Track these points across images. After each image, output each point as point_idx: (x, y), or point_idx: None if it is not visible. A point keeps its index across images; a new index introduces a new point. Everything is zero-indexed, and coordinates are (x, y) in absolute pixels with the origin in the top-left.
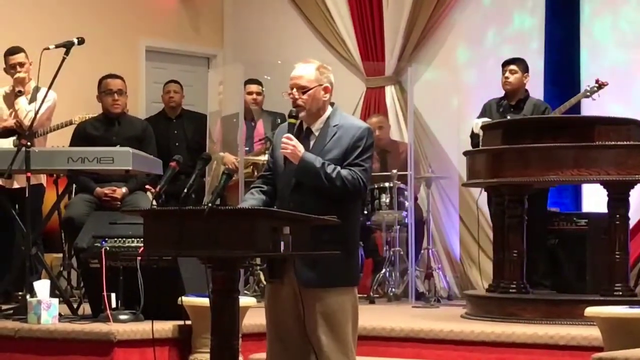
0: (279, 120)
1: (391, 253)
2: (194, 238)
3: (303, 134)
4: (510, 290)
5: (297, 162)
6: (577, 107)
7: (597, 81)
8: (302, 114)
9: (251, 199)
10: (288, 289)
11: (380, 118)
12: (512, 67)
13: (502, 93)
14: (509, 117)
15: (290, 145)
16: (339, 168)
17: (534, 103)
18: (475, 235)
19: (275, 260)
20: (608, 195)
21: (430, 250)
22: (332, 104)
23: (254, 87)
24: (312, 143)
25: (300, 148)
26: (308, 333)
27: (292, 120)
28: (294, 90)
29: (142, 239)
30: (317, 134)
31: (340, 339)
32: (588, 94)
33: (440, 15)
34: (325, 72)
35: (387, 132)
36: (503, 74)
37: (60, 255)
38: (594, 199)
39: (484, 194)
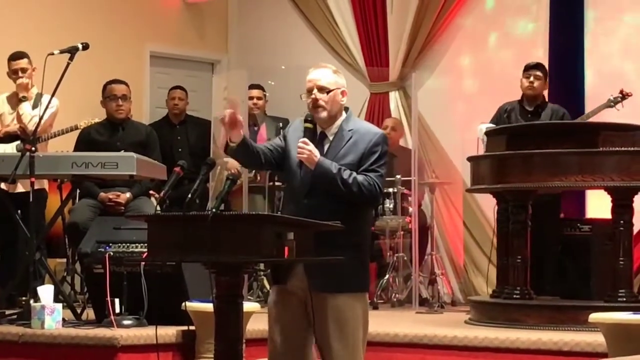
0: (282, 125)
1: (395, 259)
2: (198, 243)
3: (317, 138)
4: (514, 296)
5: (314, 168)
6: (582, 114)
7: (621, 91)
8: (323, 115)
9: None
10: (295, 294)
11: (395, 120)
12: (538, 72)
13: (509, 97)
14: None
15: (307, 150)
16: (355, 174)
17: (552, 109)
18: (479, 240)
19: (280, 265)
20: (612, 201)
21: (434, 256)
22: (346, 109)
23: (254, 92)
24: (326, 147)
25: (317, 153)
26: (318, 339)
27: (308, 125)
28: (315, 91)
29: (146, 244)
30: (331, 138)
31: (352, 345)
32: (612, 104)
33: (444, 21)
34: (341, 76)
35: (398, 135)
36: (526, 78)
37: (64, 260)
38: (598, 205)
39: (491, 200)
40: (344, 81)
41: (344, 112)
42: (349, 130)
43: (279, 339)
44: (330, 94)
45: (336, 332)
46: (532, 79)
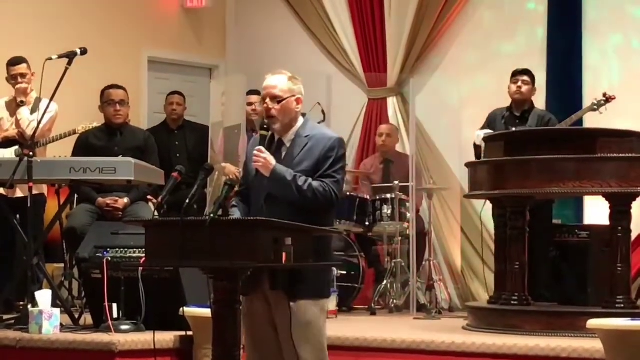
0: None
1: (393, 264)
2: (196, 249)
3: (275, 146)
4: (512, 302)
5: (269, 175)
6: (579, 120)
7: (604, 95)
8: (276, 126)
9: (237, 212)
10: (262, 301)
11: (390, 127)
12: (526, 78)
13: (505, 104)
14: (513, 129)
15: (262, 158)
16: (310, 180)
17: (538, 114)
18: (477, 246)
19: (278, 271)
20: (610, 208)
21: (431, 262)
22: (303, 115)
23: (254, 98)
24: (283, 154)
25: (272, 161)
26: (282, 345)
27: (263, 132)
28: (267, 100)
29: (143, 250)
30: (288, 145)
31: (317, 349)
32: (595, 107)
33: (442, 27)
34: (297, 83)
35: (394, 141)
36: (514, 83)
37: (62, 265)
38: (596, 211)
39: (488, 206)
40: (300, 88)
41: (300, 118)
42: (306, 137)
43: (253, 346)
44: (283, 102)
45: (302, 337)
46: (520, 84)
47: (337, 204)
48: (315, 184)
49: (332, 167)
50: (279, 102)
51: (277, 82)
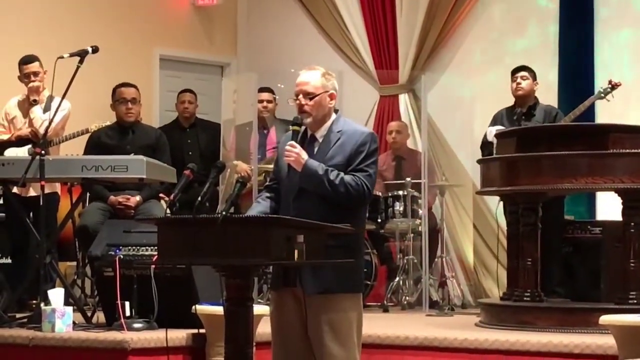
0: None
1: (405, 261)
2: (208, 246)
3: (307, 141)
4: (525, 299)
5: (301, 170)
6: (591, 115)
7: (610, 82)
8: (307, 121)
9: (259, 206)
10: (291, 296)
11: (400, 123)
12: (523, 73)
13: (512, 101)
14: (521, 125)
15: (294, 152)
16: (342, 174)
17: (544, 109)
18: (489, 243)
19: (290, 268)
20: (622, 203)
21: (444, 259)
22: (336, 111)
23: (264, 95)
24: (315, 149)
25: (304, 155)
26: (312, 340)
27: (296, 128)
28: (300, 96)
29: (156, 247)
30: (320, 140)
31: (346, 346)
32: (602, 95)
33: (454, 24)
34: (331, 79)
35: (404, 137)
36: (514, 81)
37: (75, 263)
38: (609, 206)
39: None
40: (335, 83)
41: (333, 114)
42: (338, 132)
43: (281, 342)
44: (316, 98)
45: (330, 333)
46: (519, 80)
47: (369, 198)
48: (348, 178)
49: (364, 161)
50: (311, 99)
51: (310, 78)
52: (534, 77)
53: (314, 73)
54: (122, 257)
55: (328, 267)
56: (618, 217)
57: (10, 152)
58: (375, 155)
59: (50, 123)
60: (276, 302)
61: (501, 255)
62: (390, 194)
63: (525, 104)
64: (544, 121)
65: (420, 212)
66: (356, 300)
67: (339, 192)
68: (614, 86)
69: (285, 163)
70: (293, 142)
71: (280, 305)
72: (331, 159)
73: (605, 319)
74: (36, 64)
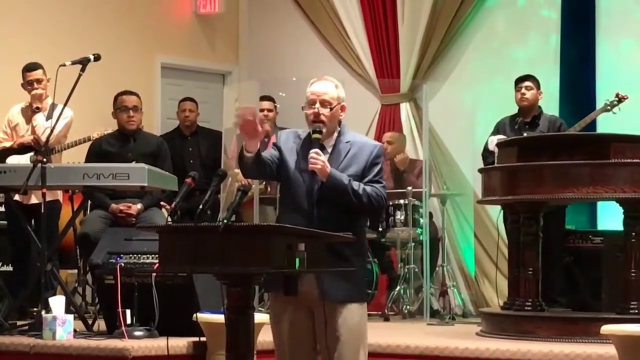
0: None
1: (406, 270)
2: (209, 254)
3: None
4: (526, 308)
5: (325, 179)
6: (593, 125)
7: (617, 95)
8: (322, 129)
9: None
10: (299, 305)
11: (392, 134)
12: (528, 83)
13: (514, 110)
14: (525, 135)
15: (320, 160)
16: (362, 185)
17: (548, 119)
18: (490, 252)
19: (291, 277)
20: (624, 213)
21: (445, 268)
22: (339, 122)
23: (265, 104)
24: (325, 159)
25: (328, 164)
26: (321, 348)
27: (317, 136)
28: (317, 105)
29: (157, 255)
30: (329, 150)
31: (358, 354)
32: (608, 107)
33: (455, 33)
34: (342, 91)
35: (396, 148)
36: (518, 90)
37: (76, 271)
38: (610, 216)
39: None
40: (344, 95)
41: (337, 125)
42: (347, 142)
43: (290, 351)
44: (333, 110)
45: (349, 340)
46: (523, 90)
47: (384, 208)
48: (369, 188)
49: (379, 173)
50: (330, 109)
51: (328, 88)
52: (538, 87)
53: (329, 84)
54: (123, 265)
55: (348, 276)
56: (619, 227)
57: (13, 160)
58: (383, 167)
59: (52, 131)
60: (282, 310)
61: (502, 264)
62: (391, 203)
63: (529, 114)
64: (548, 131)
65: (422, 221)
66: (365, 308)
67: (362, 202)
68: (620, 99)
69: (292, 161)
70: (318, 150)
71: (288, 314)
72: (345, 169)
73: (606, 328)
74: (40, 71)
